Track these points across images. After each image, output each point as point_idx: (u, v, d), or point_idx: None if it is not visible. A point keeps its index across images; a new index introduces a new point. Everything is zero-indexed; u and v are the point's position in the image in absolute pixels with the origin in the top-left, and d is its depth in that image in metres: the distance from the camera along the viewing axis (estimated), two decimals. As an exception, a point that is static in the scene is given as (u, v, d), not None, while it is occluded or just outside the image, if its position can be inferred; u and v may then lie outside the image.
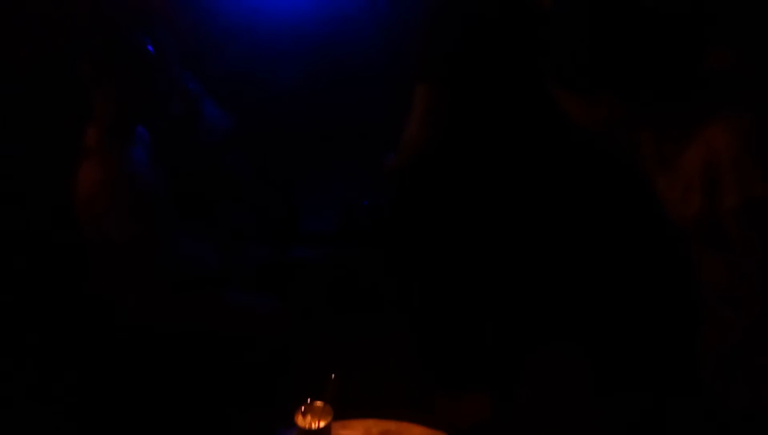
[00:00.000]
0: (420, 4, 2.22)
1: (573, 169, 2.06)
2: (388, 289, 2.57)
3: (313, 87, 3.09)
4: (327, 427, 1.59)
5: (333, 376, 1.57)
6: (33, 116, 2.51)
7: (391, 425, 1.73)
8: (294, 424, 1.59)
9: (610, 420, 1.90)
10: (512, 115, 2.03)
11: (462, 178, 2.15)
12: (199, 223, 2.45)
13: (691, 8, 1.41)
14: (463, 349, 2.29)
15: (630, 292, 2.06)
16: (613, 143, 1.59)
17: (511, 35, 1.97)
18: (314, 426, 1.57)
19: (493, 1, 2.02)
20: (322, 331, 2.46)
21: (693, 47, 1.41)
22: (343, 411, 1.64)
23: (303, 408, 1.58)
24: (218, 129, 2.69)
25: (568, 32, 1.44)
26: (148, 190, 2.09)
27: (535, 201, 2.11)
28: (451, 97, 2.02)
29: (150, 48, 2.05)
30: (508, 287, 2.21)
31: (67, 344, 2.33)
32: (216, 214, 2.59)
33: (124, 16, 2.60)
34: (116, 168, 2.03)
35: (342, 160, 2.96)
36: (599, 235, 2.10)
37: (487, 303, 2.24)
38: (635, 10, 1.39)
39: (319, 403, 1.59)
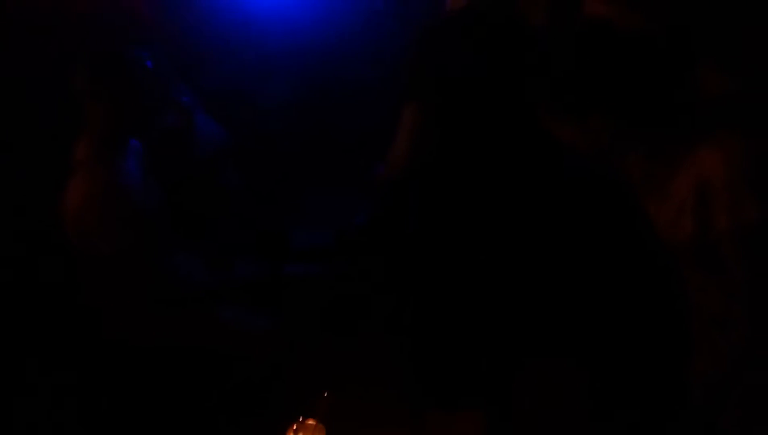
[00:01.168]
0: (413, 21, 2.24)
1: (563, 190, 2.07)
2: (381, 306, 2.57)
3: (306, 101, 3.09)
4: (319, 446, 1.59)
5: (326, 393, 1.57)
6: (25, 127, 2.50)
7: (383, 444, 1.72)
8: (286, 442, 1.58)
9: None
10: (501, 135, 2.04)
11: (449, 196, 2.16)
12: (190, 238, 2.43)
13: (675, 32, 1.43)
14: (456, 366, 2.29)
15: (621, 311, 2.07)
16: (604, 166, 1.60)
17: (502, 56, 1.99)
18: (306, 444, 1.57)
19: (484, 23, 2.03)
20: (315, 349, 2.45)
21: (678, 69, 1.42)
22: (335, 429, 1.63)
23: (295, 426, 1.58)
24: (211, 142, 2.68)
25: (556, 56, 1.46)
26: (140, 203, 2.08)
27: (524, 219, 2.12)
28: (440, 117, 2.03)
29: (147, 62, 2.04)
30: (499, 303, 2.21)
31: (57, 356, 2.31)
32: (207, 229, 2.58)
33: (119, 29, 2.60)
34: (107, 180, 2.02)
35: (334, 175, 2.96)
36: (591, 255, 2.11)
37: (479, 319, 2.24)
38: (620, 34, 1.41)
39: (311, 421, 1.59)
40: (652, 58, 1.41)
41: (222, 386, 2.18)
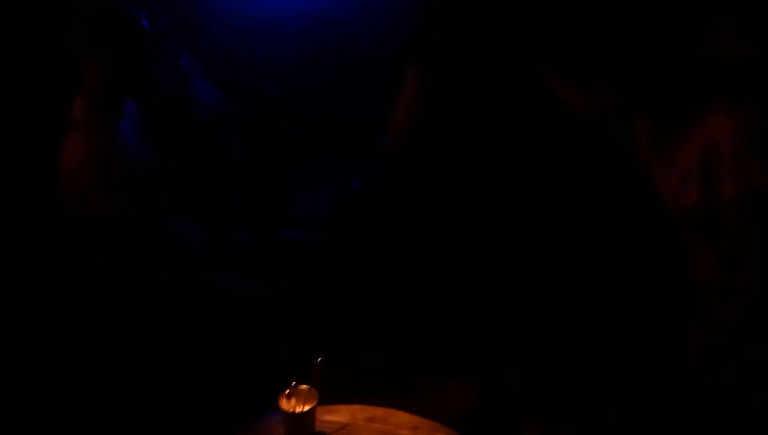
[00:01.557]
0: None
1: (564, 158, 2.04)
2: (379, 275, 2.56)
3: (309, 69, 3.05)
4: (311, 411, 1.57)
5: (319, 359, 1.55)
6: (20, 86, 2.46)
7: (377, 411, 1.71)
8: (278, 408, 1.56)
9: (599, 410, 1.89)
10: (505, 101, 2.02)
11: (451, 164, 2.14)
12: (188, 203, 2.41)
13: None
14: (451, 336, 2.28)
15: (619, 281, 2.05)
16: (608, 131, 1.57)
17: (506, 21, 1.95)
18: (298, 410, 1.55)
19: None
20: (312, 316, 2.44)
21: (688, 33, 1.39)
22: (328, 395, 1.62)
23: (287, 391, 1.56)
24: (209, 107, 2.65)
25: (563, 20, 1.42)
26: (135, 165, 2.06)
27: (525, 188, 2.10)
28: (442, 83, 2.00)
29: (143, 22, 2.00)
30: (496, 275, 2.20)
31: (53, 322, 2.30)
32: (205, 195, 2.56)
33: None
34: (103, 141, 2.00)
35: (335, 144, 2.92)
36: (589, 224, 2.09)
37: (475, 290, 2.23)
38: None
39: (304, 387, 1.57)
40: (661, 21, 1.37)
41: (218, 351, 2.16)
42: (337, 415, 1.69)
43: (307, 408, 1.56)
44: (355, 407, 1.71)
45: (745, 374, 1.51)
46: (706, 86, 1.43)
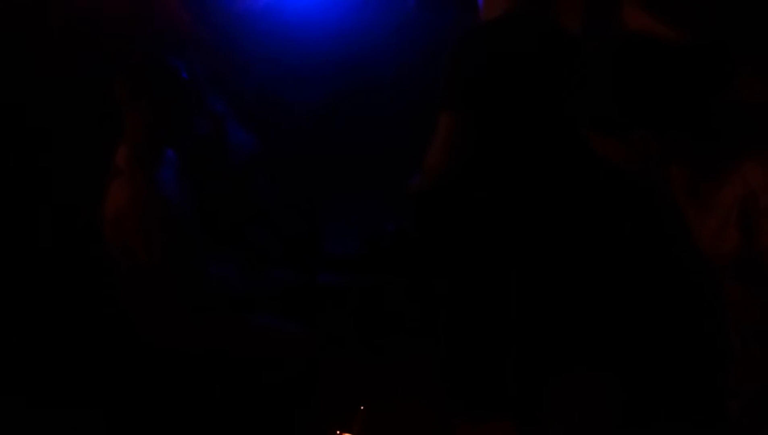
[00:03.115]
0: (449, 28, 2.22)
1: (601, 200, 2.05)
2: (413, 315, 2.56)
3: (340, 109, 3.09)
4: (357, 459, 1.58)
5: (362, 408, 1.56)
6: (65, 134, 2.54)
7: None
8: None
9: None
10: (538, 145, 2.03)
11: (485, 205, 2.15)
12: (223, 245, 2.45)
13: (713, 42, 1.41)
14: (487, 374, 2.27)
15: (660, 324, 2.05)
16: (646, 177, 1.59)
17: (539, 65, 1.97)
18: (344, 458, 1.56)
19: (522, 31, 2.02)
20: (347, 357, 2.45)
21: (718, 79, 1.40)
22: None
23: (333, 440, 1.58)
24: (243, 150, 2.70)
25: (594, 68, 1.43)
26: (176, 211, 2.09)
27: (559, 227, 2.11)
28: (476, 126, 2.02)
29: (183, 73, 2.07)
30: (533, 312, 2.20)
31: (91, 363, 2.34)
32: (240, 237, 2.59)
33: (156, 37, 2.63)
34: (145, 188, 2.03)
35: (367, 184, 2.95)
36: (630, 263, 2.08)
37: (512, 327, 2.23)
38: (659, 46, 1.39)
39: (348, 435, 1.58)
40: (692, 70, 1.39)
41: (254, 397, 2.18)
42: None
43: (351, 455, 1.57)
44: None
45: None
46: (741, 133, 1.44)
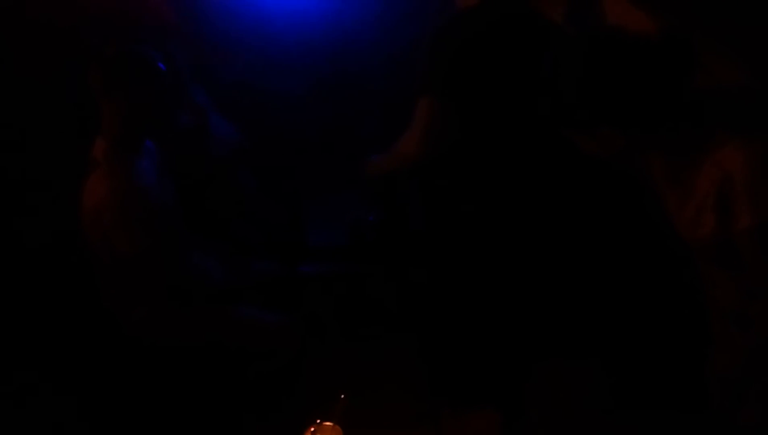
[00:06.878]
0: (424, 17, 2.21)
1: (581, 187, 2.05)
2: (395, 305, 2.56)
3: (321, 99, 3.08)
4: (337, 448, 1.58)
5: (342, 396, 1.57)
6: (41, 127, 2.51)
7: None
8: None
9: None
10: (515, 131, 2.03)
11: (463, 192, 2.14)
12: (206, 237, 2.44)
13: (669, 37, 1.41)
14: (470, 365, 2.28)
15: (639, 310, 2.05)
16: (624, 164, 1.59)
17: (516, 53, 1.97)
18: (324, 447, 1.57)
19: (499, 18, 2.02)
20: (330, 347, 2.45)
21: (681, 68, 1.41)
22: (351, 431, 1.63)
23: (312, 429, 1.58)
24: (225, 142, 2.69)
25: (563, 74, 1.45)
26: (156, 203, 2.08)
27: (542, 213, 2.11)
28: (453, 113, 2.00)
29: (160, 63, 2.04)
30: (515, 302, 2.20)
31: (74, 357, 2.33)
32: (223, 228, 2.58)
33: (134, 28, 2.60)
34: (124, 180, 2.02)
35: (350, 174, 2.95)
36: (609, 250, 2.09)
37: (494, 317, 2.24)
38: (624, 41, 1.39)
39: (328, 424, 1.58)
40: (654, 62, 1.39)
41: (237, 387, 2.18)
42: (361, 451, 1.70)
43: (332, 445, 1.57)
44: (378, 442, 1.73)
45: (765, 402, 1.52)
46: (715, 117, 1.45)
